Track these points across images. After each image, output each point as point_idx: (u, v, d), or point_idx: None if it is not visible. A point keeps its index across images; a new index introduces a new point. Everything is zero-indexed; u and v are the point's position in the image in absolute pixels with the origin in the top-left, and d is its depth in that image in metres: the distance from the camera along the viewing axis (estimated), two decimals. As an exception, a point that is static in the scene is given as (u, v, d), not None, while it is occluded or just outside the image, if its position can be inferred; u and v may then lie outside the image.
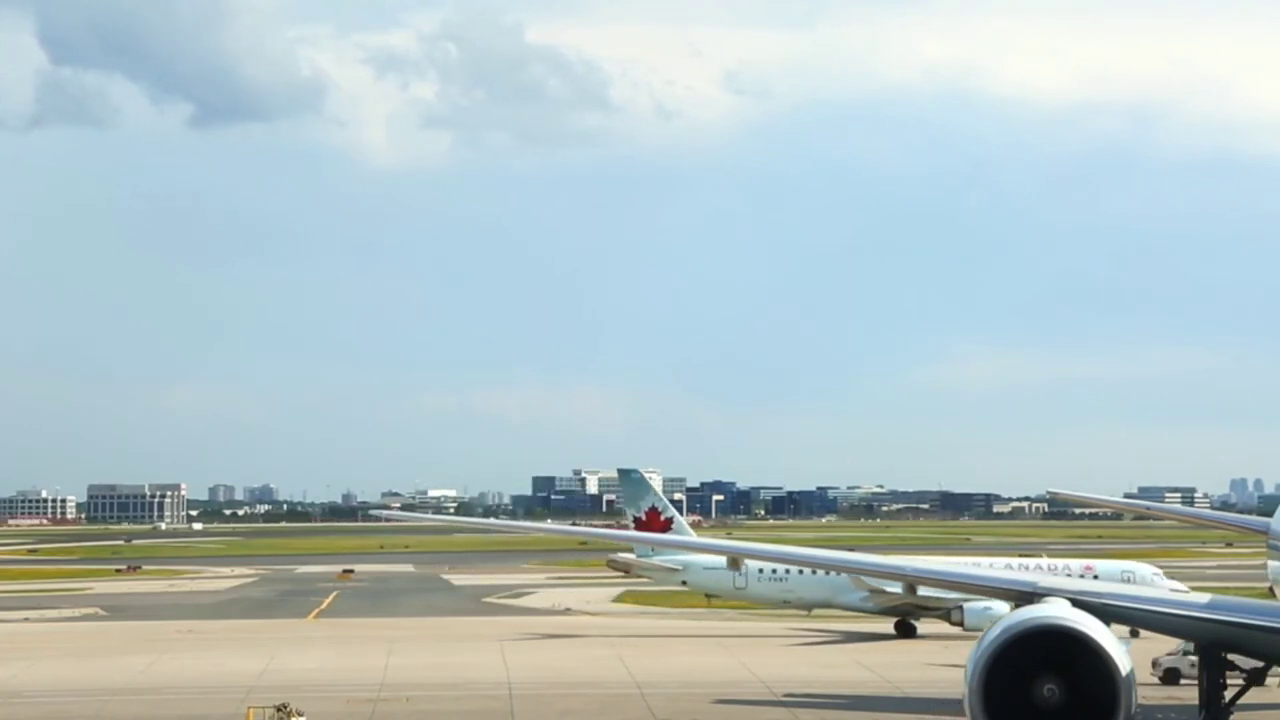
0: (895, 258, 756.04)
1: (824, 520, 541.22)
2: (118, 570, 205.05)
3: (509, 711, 74.01)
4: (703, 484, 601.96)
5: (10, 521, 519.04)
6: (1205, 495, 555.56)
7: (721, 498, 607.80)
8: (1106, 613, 40.26)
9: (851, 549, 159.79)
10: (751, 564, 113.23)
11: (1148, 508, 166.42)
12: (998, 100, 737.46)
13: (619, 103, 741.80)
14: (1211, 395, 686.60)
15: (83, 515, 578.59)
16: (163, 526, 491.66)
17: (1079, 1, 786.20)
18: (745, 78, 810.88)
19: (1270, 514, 51.14)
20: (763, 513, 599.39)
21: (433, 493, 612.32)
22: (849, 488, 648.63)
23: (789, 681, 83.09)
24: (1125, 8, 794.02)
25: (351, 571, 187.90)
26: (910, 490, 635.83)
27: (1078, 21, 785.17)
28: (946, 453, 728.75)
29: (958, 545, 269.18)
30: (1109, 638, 37.15)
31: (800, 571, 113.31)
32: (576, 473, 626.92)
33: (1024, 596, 42.00)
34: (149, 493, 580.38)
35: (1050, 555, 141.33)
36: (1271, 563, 46.60)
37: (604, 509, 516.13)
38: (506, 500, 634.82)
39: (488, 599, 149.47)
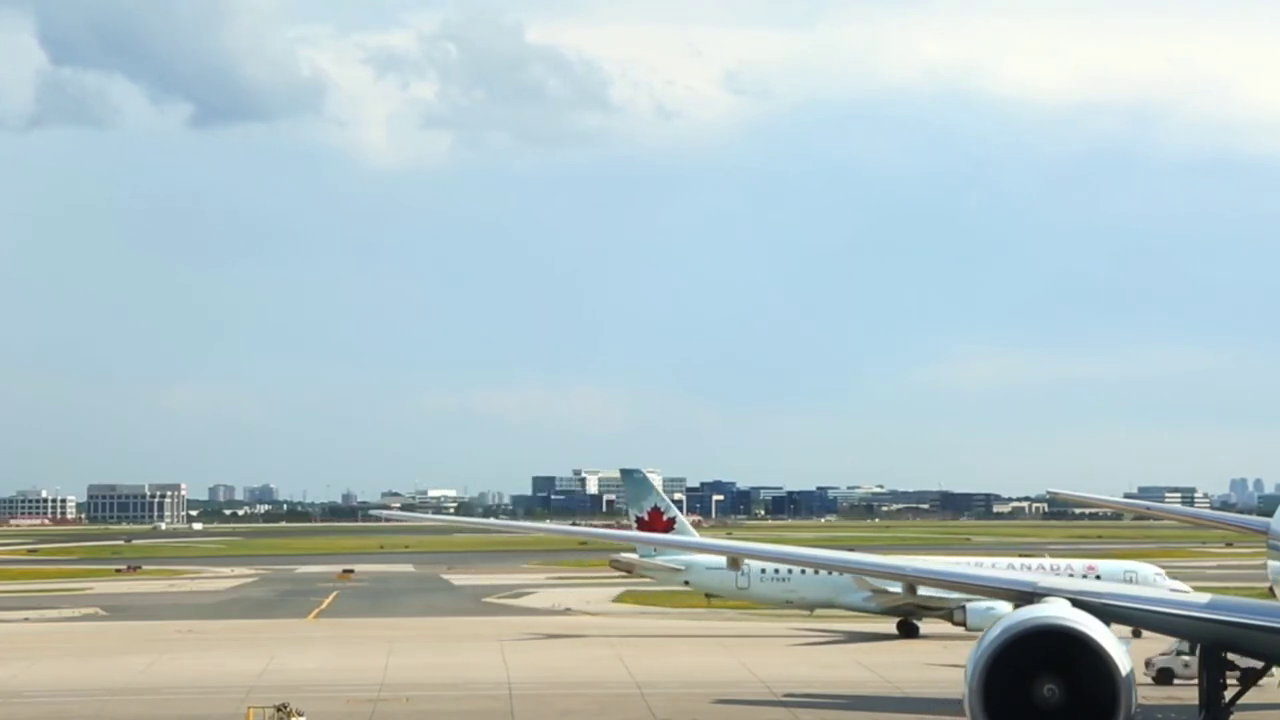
0: (895, 258, 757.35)
1: (824, 520, 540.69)
2: (118, 570, 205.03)
3: (509, 711, 74.00)
4: (703, 484, 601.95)
5: (10, 521, 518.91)
6: (1205, 495, 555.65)
7: (721, 498, 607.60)
8: (1107, 613, 40.23)
9: (852, 549, 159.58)
10: (754, 564, 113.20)
11: (1148, 508, 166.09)
12: (998, 100, 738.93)
13: (619, 103, 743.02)
14: (1211, 395, 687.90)
15: (83, 515, 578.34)
16: (163, 526, 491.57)
17: (1079, 1, 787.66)
18: (745, 78, 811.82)
19: (1270, 514, 51.15)
20: (763, 513, 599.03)
21: (433, 493, 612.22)
22: (849, 488, 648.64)
23: (789, 681, 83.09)
24: (1125, 8, 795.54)
25: (351, 571, 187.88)
26: (910, 490, 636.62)
27: (1078, 21, 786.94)
28: (946, 453, 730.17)
29: (958, 545, 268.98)
30: (1109, 638, 37.11)
31: (803, 572, 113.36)
32: (576, 473, 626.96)
33: (1024, 596, 42.02)
34: (149, 493, 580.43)
35: (1051, 555, 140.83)
36: (1271, 563, 46.60)
37: (604, 509, 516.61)
38: (506, 500, 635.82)
39: (488, 599, 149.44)
